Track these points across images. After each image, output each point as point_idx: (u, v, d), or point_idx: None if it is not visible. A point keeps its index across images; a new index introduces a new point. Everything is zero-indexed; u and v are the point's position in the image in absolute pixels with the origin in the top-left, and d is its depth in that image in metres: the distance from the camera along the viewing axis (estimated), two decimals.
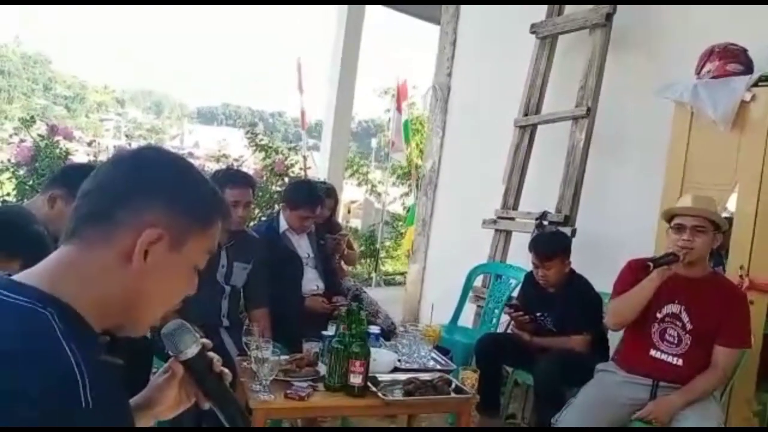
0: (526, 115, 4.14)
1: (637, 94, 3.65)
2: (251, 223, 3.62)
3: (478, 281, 4.06)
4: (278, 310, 2.92)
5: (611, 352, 2.94)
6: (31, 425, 0.62)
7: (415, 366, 2.57)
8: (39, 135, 3.79)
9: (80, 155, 4.10)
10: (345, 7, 5.91)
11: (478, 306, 4.03)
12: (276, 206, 4.30)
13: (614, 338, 2.91)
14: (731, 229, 2.81)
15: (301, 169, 5.33)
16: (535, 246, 3.05)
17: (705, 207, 2.42)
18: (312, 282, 3.24)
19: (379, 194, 9.88)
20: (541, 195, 3.92)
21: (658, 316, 2.47)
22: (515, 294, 3.53)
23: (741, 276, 2.74)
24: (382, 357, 2.47)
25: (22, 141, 3.76)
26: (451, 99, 5.10)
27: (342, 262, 4.09)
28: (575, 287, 3.00)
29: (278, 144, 5.67)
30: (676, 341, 2.44)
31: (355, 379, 2.20)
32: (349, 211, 10.31)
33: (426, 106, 5.94)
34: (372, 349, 2.32)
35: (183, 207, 0.83)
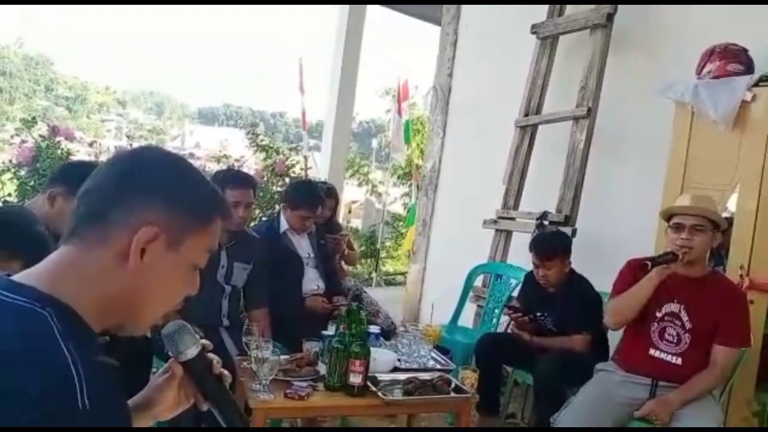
0: (526, 115, 4.14)
1: (638, 94, 3.65)
2: (252, 224, 3.62)
3: (478, 281, 4.06)
4: (278, 310, 2.93)
5: (611, 352, 2.94)
6: (28, 425, 0.62)
7: (415, 366, 2.58)
8: (40, 136, 3.80)
9: (81, 156, 4.11)
10: (346, 7, 5.92)
11: (478, 306, 4.03)
12: (276, 206, 4.30)
13: (614, 338, 2.91)
14: (732, 228, 2.81)
15: (301, 169, 5.34)
16: (536, 246, 3.05)
17: (704, 206, 2.42)
18: (312, 282, 3.24)
19: (380, 194, 9.88)
20: (542, 195, 3.92)
21: (658, 315, 2.47)
22: (515, 294, 3.53)
23: (741, 275, 2.74)
24: (381, 357, 2.48)
25: (23, 142, 3.77)
26: (451, 99, 5.10)
27: (342, 262, 4.10)
28: (575, 287, 3.00)
29: (279, 144, 5.68)
30: (675, 340, 2.44)
31: (355, 379, 2.20)
32: (349, 211, 10.31)
33: (427, 107, 5.94)
34: (372, 349, 2.33)
35: (179, 205, 0.83)
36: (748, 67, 2.93)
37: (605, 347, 2.99)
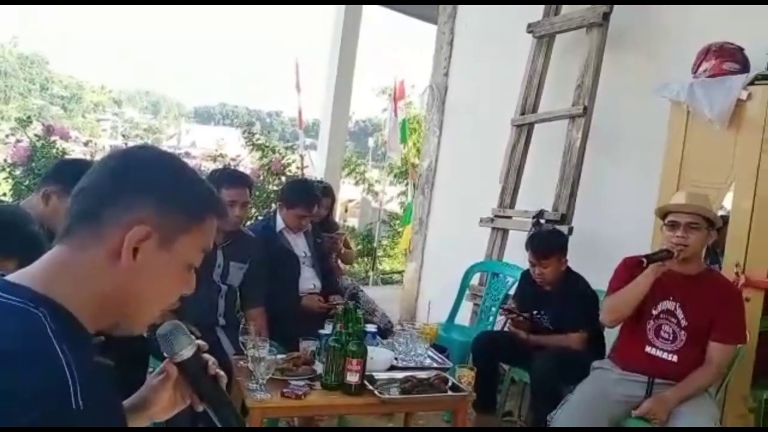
0: (523, 114, 4.15)
1: (634, 93, 3.66)
2: (248, 223, 3.62)
3: (475, 279, 4.07)
4: (275, 309, 2.93)
5: (608, 350, 2.95)
6: (22, 426, 0.62)
7: (412, 364, 2.58)
8: (35, 135, 3.80)
9: (77, 155, 4.09)
10: (342, 7, 5.92)
11: (475, 304, 4.03)
12: (273, 205, 4.30)
13: (610, 336, 2.92)
14: (727, 226, 2.82)
15: (298, 168, 5.34)
16: (532, 244, 3.05)
17: (699, 204, 2.43)
18: (309, 281, 3.24)
19: (377, 193, 9.88)
20: (538, 193, 3.93)
21: (653, 312, 2.48)
22: (512, 292, 3.54)
23: (737, 273, 2.75)
24: (378, 355, 2.48)
25: (18, 141, 3.76)
26: (448, 98, 5.11)
27: (339, 261, 4.10)
28: (572, 285, 3.00)
29: (275, 143, 5.68)
30: (671, 338, 2.44)
31: (352, 378, 2.20)
32: (346, 210, 10.30)
33: (423, 106, 5.94)
34: (369, 348, 2.32)
35: (172, 204, 0.82)
36: (744, 66, 2.93)
37: (602, 345, 3.00)
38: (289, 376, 2.28)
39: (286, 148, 5.45)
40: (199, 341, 0.98)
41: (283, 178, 4.72)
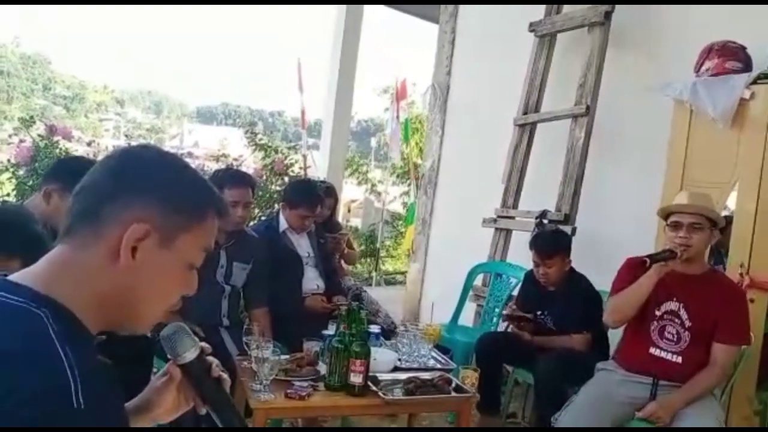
0: (525, 113, 4.14)
1: (637, 92, 3.64)
2: (251, 223, 3.62)
3: (478, 280, 4.06)
4: (278, 310, 2.93)
5: (611, 351, 2.94)
6: (22, 425, 0.62)
7: (416, 365, 2.57)
8: (38, 135, 3.80)
9: (79, 155, 4.10)
10: (344, 6, 5.92)
11: (479, 305, 4.03)
12: (276, 206, 4.30)
13: (614, 337, 2.91)
14: (732, 226, 2.81)
15: (300, 168, 5.33)
16: (536, 244, 3.04)
17: (701, 204, 2.42)
18: (312, 281, 3.23)
19: (379, 193, 9.88)
20: (541, 193, 3.92)
21: (657, 313, 2.47)
22: (515, 293, 3.53)
23: (741, 274, 2.74)
24: (382, 356, 2.47)
25: (21, 141, 3.76)
26: (450, 98, 5.10)
27: (342, 262, 4.10)
28: (575, 286, 2.99)
29: (278, 143, 5.69)
30: (675, 339, 2.43)
31: (356, 379, 2.20)
32: (349, 210, 10.32)
33: (425, 105, 5.93)
34: (372, 349, 2.32)
35: (172, 203, 0.82)
36: (747, 65, 2.92)
37: (605, 346, 2.99)
38: (293, 376, 2.27)
39: (289, 148, 5.46)
40: (203, 343, 0.97)
41: (286, 179, 4.72)
